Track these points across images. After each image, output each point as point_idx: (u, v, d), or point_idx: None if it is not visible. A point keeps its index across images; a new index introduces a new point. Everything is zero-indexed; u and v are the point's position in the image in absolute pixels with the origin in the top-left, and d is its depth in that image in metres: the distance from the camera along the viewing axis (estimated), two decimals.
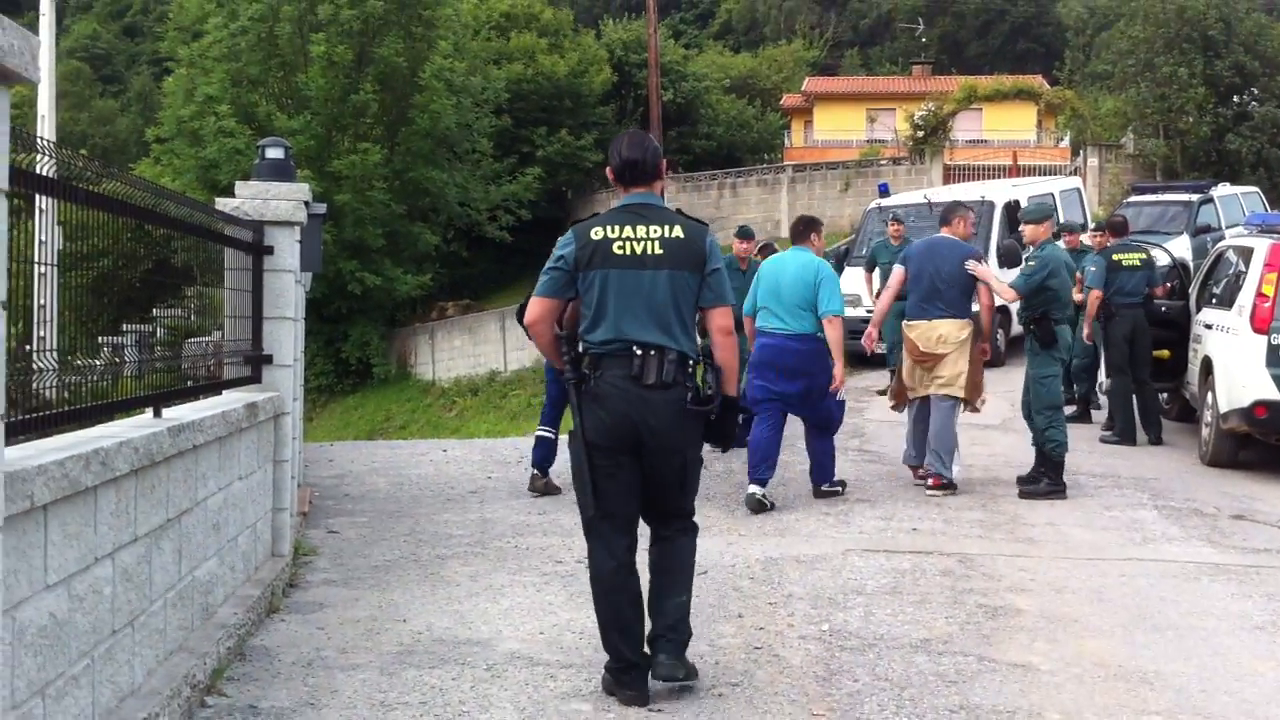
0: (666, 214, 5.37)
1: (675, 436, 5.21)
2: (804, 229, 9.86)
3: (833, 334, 9.30)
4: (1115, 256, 12.40)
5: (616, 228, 5.26)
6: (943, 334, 9.67)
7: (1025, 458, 11.10)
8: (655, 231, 5.24)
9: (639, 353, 5.14)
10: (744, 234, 12.61)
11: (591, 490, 5.25)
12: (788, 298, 9.38)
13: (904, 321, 10.02)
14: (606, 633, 5.33)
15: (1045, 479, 9.71)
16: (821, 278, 9.33)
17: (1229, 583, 7.33)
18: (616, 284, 5.19)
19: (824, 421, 9.67)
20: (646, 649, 5.30)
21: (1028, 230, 10.00)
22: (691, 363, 5.26)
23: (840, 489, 9.76)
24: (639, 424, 5.14)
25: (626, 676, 5.26)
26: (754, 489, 9.32)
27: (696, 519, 5.60)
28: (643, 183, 5.40)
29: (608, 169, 5.53)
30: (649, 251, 5.20)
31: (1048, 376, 9.72)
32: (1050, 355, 9.68)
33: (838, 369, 9.32)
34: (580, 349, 5.31)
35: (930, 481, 9.74)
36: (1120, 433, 12.16)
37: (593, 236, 5.27)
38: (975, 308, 9.91)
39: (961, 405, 9.82)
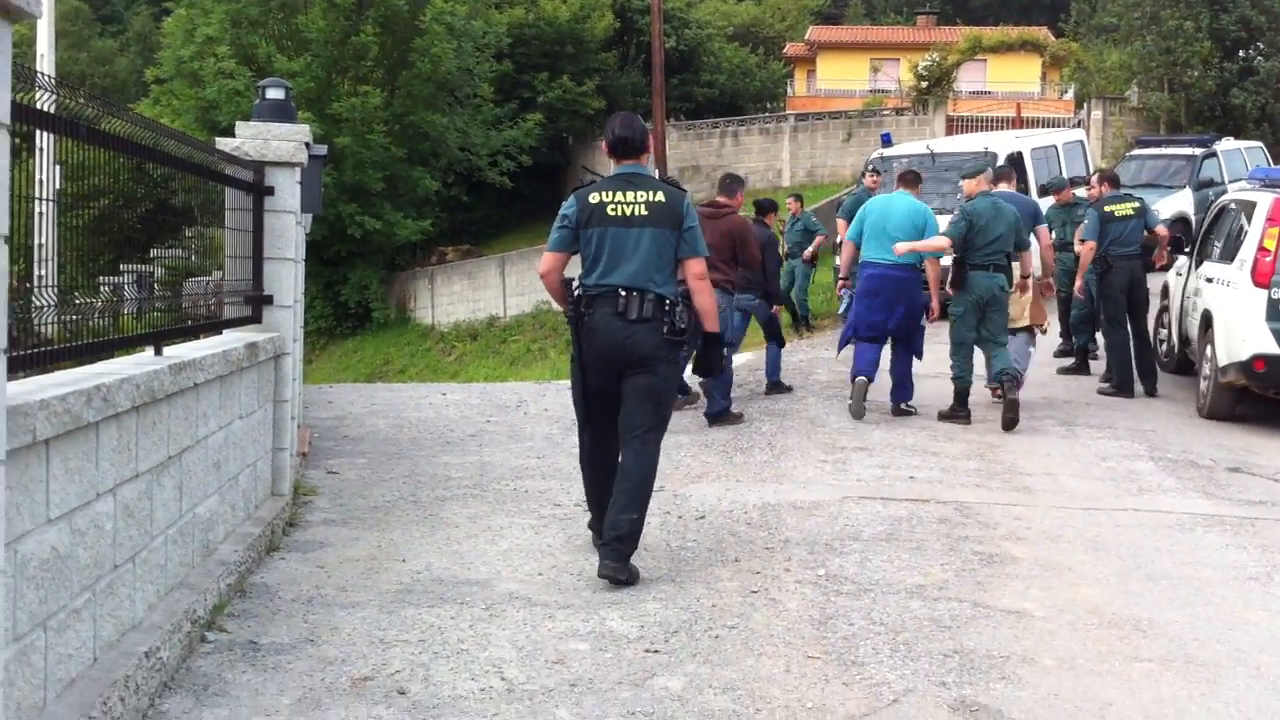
0: (652, 181, 6.45)
1: (650, 360, 6.23)
2: (914, 179, 11.44)
3: (932, 272, 10.90)
4: (1108, 208, 12.26)
5: (610, 193, 6.32)
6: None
7: (1023, 410, 11.12)
8: (642, 196, 6.29)
9: (623, 294, 6.21)
10: (797, 198, 14.86)
11: (582, 399, 6.48)
12: (894, 234, 10.67)
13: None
14: (588, 496, 6.69)
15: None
16: (927, 221, 10.82)
17: (1224, 534, 7.37)
18: (610, 239, 6.26)
19: (912, 345, 11.09)
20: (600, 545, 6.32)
21: (964, 184, 11.02)
22: (668, 302, 6.25)
23: (914, 410, 10.99)
24: (623, 348, 6.21)
25: (599, 527, 6.42)
26: (862, 378, 10.82)
27: (698, 462, 5.78)
28: (632, 155, 6.47)
29: (603, 143, 6.58)
30: (636, 213, 6.26)
31: (955, 312, 10.73)
32: (961, 296, 10.63)
33: (934, 302, 10.95)
34: (577, 292, 6.34)
35: (994, 392, 11.21)
36: (1118, 385, 12.16)
37: (591, 201, 6.34)
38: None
39: (1032, 332, 11.69)
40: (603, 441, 6.48)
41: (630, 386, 6.25)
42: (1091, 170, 19.93)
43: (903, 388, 11.03)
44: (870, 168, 16.28)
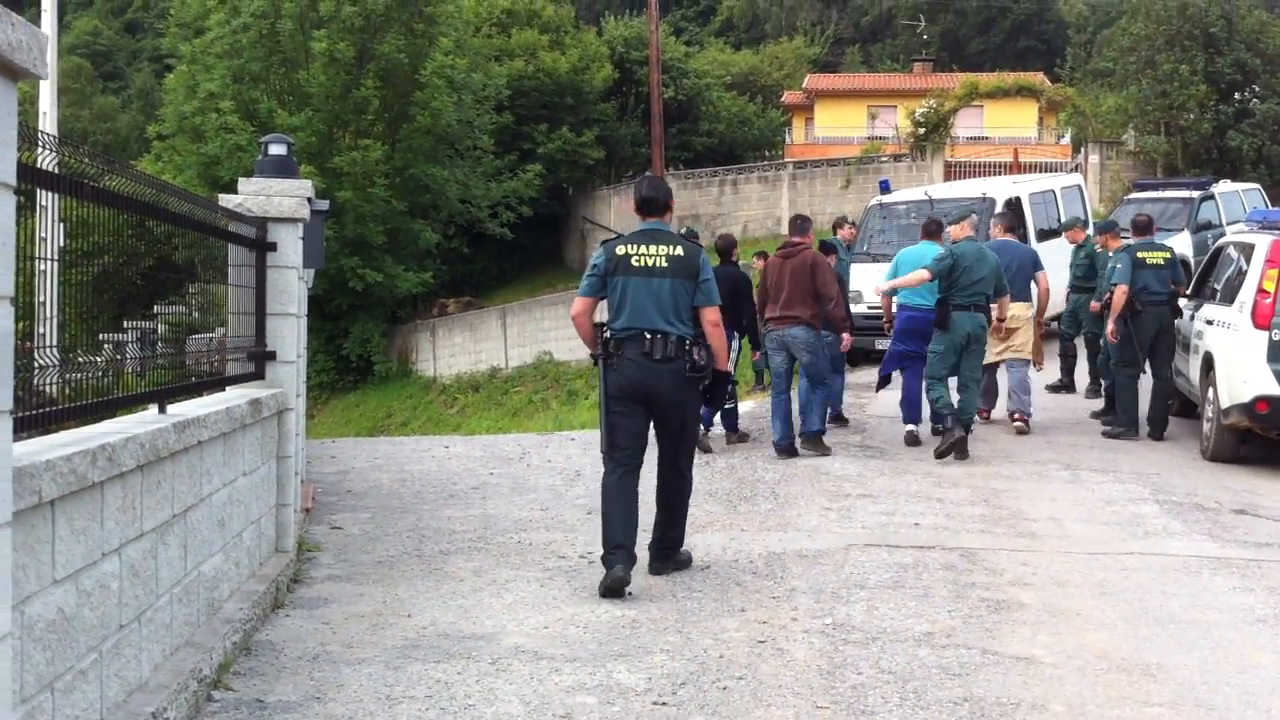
0: (672, 237, 7.27)
1: (676, 395, 7.08)
2: (936, 229, 12.32)
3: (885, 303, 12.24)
4: (1140, 254, 12.31)
5: (635, 245, 7.13)
6: (1014, 313, 12.20)
7: (1026, 453, 11.15)
8: (663, 250, 7.09)
9: (649, 336, 6.99)
10: (842, 222, 15.35)
11: (608, 431, 7.18)
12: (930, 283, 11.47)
13: None
14: (603, 525, 7.09)
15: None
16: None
17: (1230, 576, 7.35)
18: (634, 288, 7.05)
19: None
20: (639, 550, 7.13)
21: (951, 230, 11.72)
22: (688, 343, 7.04)
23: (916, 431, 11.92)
24: (650, 387, 7.01)
25: (611, 557, 6.93)
26: (911, 428, 11.87)
27: (702, 512, 5.83)
28: (656, 214, 7.33)
29: (632, 203, 7.51)
30: (657, 264, 7.06)
31: (935, 350, 11.28)
32: (943, 335, 11.17)
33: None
34: (606, 334, 7.17)
35: (1016, 418, 12.41)
36: (1124, 424, 12.22)
37: (618, 252, 7.15)
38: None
39: (1030, 364, 12.76)
40: (626, 470, 7.16)
41: (661, 426, 7.22)
42: (1089, 214, 20.02)
43: (914, 407, 11.99)
44: (849, 221, 16.47)
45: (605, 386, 7.16)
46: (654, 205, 7.32)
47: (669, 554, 7.35)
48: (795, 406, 11.47)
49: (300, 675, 5.54)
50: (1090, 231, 15.38)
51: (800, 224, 11.77)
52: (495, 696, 5.30)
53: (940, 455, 10.80)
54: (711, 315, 7.16)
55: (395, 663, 5.73)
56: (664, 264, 7.06)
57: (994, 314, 11.49)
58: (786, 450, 11.14)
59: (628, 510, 7.05)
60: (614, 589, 6.81)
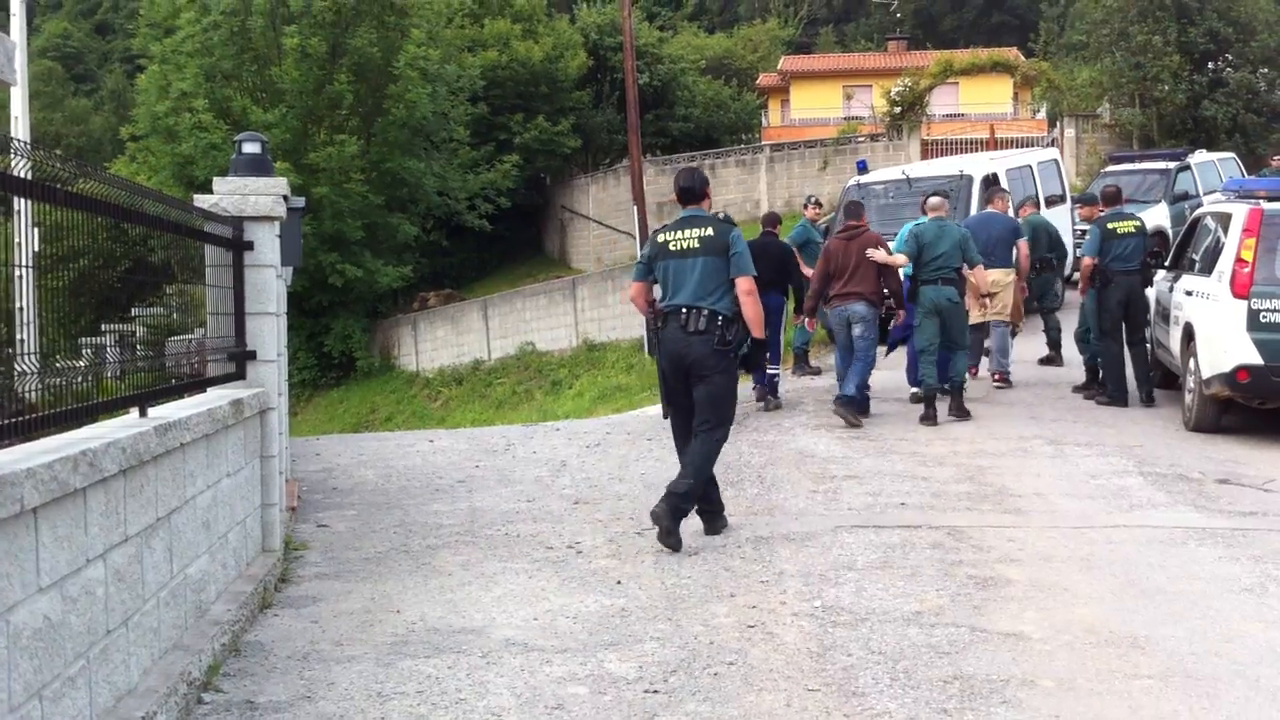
0: (706, 220, 8.04)
1: (707, 364, 7.76)
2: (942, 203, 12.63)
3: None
4: (1110, 225, 12.55)
5: (673, 232, 8.00)
6: (995, 279, 13.26)
7: (1010, 429, 11.18)
8: (695, 233, 7.90)
9: (684, 312, 7.79)
10: (808, 202, 15.67)
11: (666, 396, 8.68)
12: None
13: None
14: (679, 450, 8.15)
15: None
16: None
17: (1216, 546, 7.38)
18: (673, 269, 7.90)
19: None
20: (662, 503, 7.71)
21: (933, 203, 12.44)
22: (721, 318, 7.74)
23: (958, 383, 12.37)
24: (684, 356, 7.81)
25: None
26: (915, 390, 12.63)
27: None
28: (693, 201, 8.10)
29: (674, 193, 8.39)
30: (690, 247, 7.87)
31: (916, 325, 12.08)
32: (916, 308, 12.00)
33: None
34: (657, 313, 8.00)
35: (996, 377, 13.61)
36: (1112, 395, 12.44)
37: (659, 240, 8.06)
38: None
39: (1010, 325, 13.71)
40: (682, 423, 8.12)
41: (696, 394, 7.86)
42: (1067, 188, 20.07)
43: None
44: (812, 200, 16.58)
45: (660, 360, 8.26)
46: (691, 194, 8.11)
47: (676, 507, 7.67)
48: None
49: (290, 675, 5.53)
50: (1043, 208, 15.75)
51: (855, 208, 12.72)
52: (486, 690, 5.30)
53: (928, 421, 11.56)
54: (744, 285, 7.82)
55: (385, 659, 5.73)
56: (696, 245, 7.85)
57: (970, 281, 12.31)
58: (853, 405, 11.92)
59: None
60: (670, 539, 7.66)
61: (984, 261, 12.57)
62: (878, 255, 11.86)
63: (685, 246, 7.87)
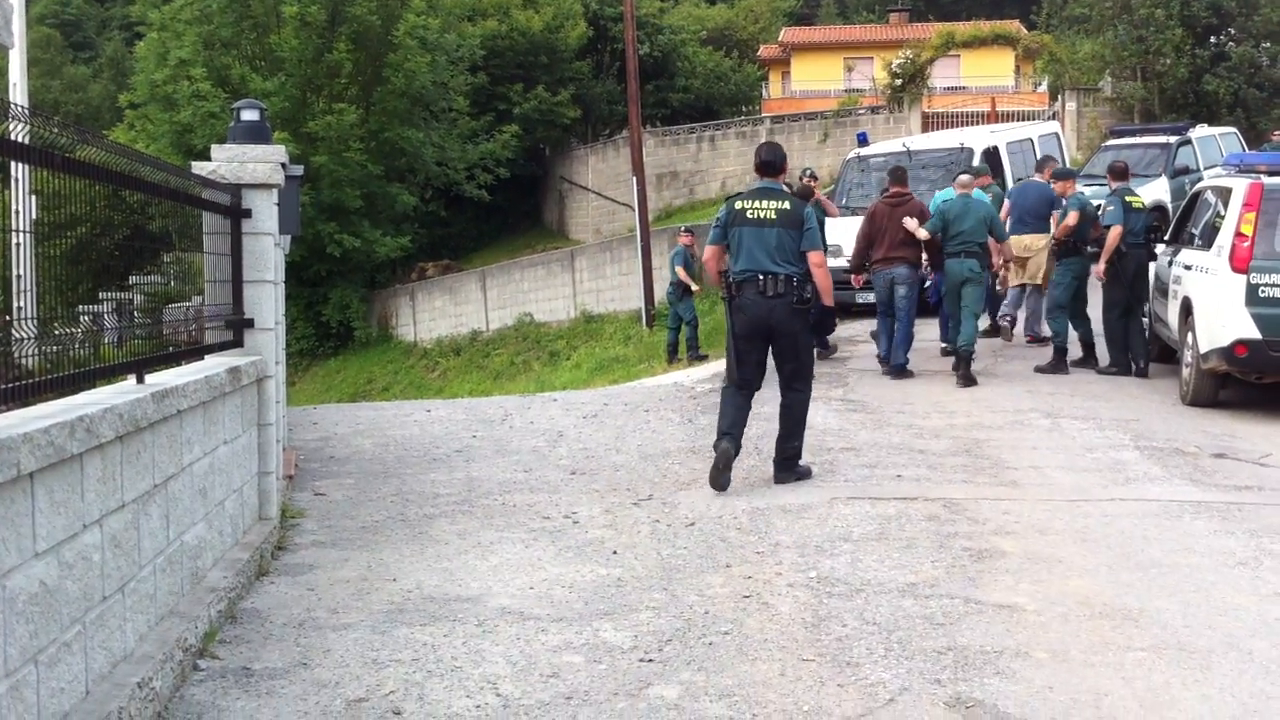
0: (783, 193, 8.62)
1: (788, 324, 8.36)
2: (971, 180, 13.59)
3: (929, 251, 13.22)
4: (1127, 198, 12.78)
5: (751, 201, 8.48)
6: (1028, 244, 14.16)
7: (1007, 402, 11.19)
8: (773, 205, 8.41)
9: (762, 277, 8.30)
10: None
11: (736, 365, 8.54)
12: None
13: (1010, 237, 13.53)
14: (719, 420, 8.55)
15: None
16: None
17: (1211, 520, 7.40)
18: (749, 236, 8.38)
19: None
20: (774, 468, 8.63)
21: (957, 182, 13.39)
22: (795, 281, 8.30)
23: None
24: (766, 319, 8.34)
25: (719, 440, 8.42)
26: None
27: (685, 469, 5.69)
28: (771, 174, 8.65)
29: (754, 164, 8.88)
30: (767, 217, 8.37)
31: (944, 293, 13.05)
32: (943, 277, 12.90)
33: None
34: (728, 278, 8.45)
35: (1029, 339, 14.47)
36: (1117, 362, 12.75)
37: (736, 207, 8.51)
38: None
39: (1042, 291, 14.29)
40: (745, 389, 8.53)
41: (777, 349, 8.46)
42: (1068, 161, 20.02)
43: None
44: (808, 173, 16.59)
45: (731, 324, 8.57)
46: (771, 168, 8.66)
47: (790, 464, 8.52)
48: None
49: (286, 642, 5.55)
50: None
51: (900, 174, 13.55)
52: (482, 658, 5.32)
53: (966, 384, 12.14)
54: (816, 258, 8.43)
55: (381, 627, 5.75)
56: (773, 216, 8.36)
57: (994, 257, 13.01)
58: (888, 366, 12.94)
59: (738, 411, 8.49)
60: (719, 473, 8.29)
61: (1021, 227, 14.04)
62: (910, 224, 12.84)
63: (763, 216, 8.39)
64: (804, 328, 8.63)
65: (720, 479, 8.29)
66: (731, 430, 8.42)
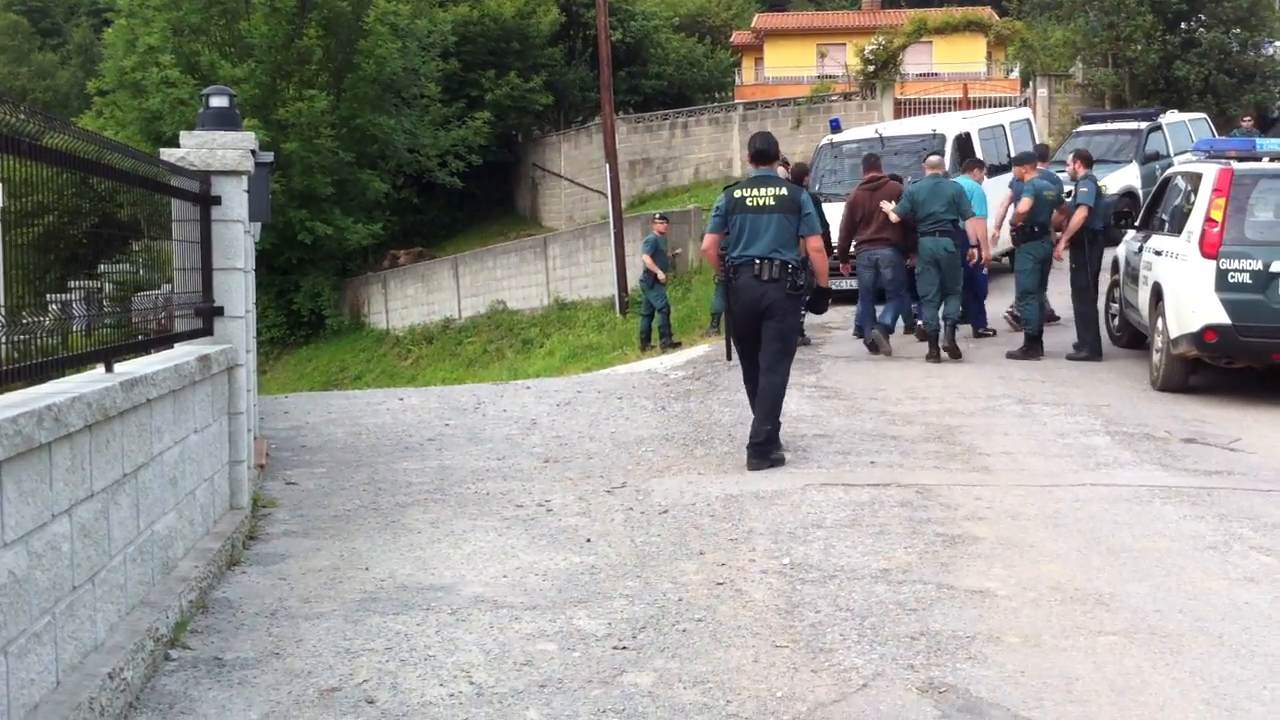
0: (779, 181, 9.03)
1: (779, 308, 8.66)
2: (972, 165, 14.64)
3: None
4: (1099, 184, 13.24)
5: (749, 189, 8.81)
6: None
7: (979, 389, 11.23)
8: (770, 192, 8.75)
9: (758, 262, 8.60)
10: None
11: (735, 342, 9.10)
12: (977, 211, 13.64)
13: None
14: (750, 397, 9.05)
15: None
16: (963, 195, 13.24)
17: (1181, 505, 7.44)
18: (748, 223, 8.70)
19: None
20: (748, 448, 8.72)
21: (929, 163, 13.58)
22: (791, 267, 8.62)
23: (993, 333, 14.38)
24: (760, 301, 8.63)
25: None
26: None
27: (659, 456, 5.68)
28: (766, 162, 9.03)
29: (747, 153, 9.23)
30: (765, 204, 8.69)
31: (917, 272, 13.09)
32: (918, 257, 13.01)
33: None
34: (727, 262, 8.77)
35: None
36: (1091, 350, 12.87)
37: (735, 195, 8.84)
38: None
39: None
40: (753, 368, 8.94)
41: (765, 332, 8.71)
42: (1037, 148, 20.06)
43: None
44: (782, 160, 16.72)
45: (728, 306, 9.05)
46: (765, 155, 9.01)
47: (764, 450, 8.63)
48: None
49: (258, 631, 5.53)
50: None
51: (875, 161, 14.19)
52: (455, 646, 5.31)
53: (933, 358, 12.75)
54: (814, 242, 8.84)
55: (354, 616, 5.72)
56: (771, 202, 8.68)
57: (970, 234, 13.43)
58: (869, 342, 13.38)
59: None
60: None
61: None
62: (886, 207, 13.28)
63: (761, 203, 8.70)
64: (794, 313, 8.99)
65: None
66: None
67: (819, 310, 9.97)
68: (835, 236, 13.75)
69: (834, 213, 14.12)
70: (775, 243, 8.64)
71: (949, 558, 6.45)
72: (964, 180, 13.92)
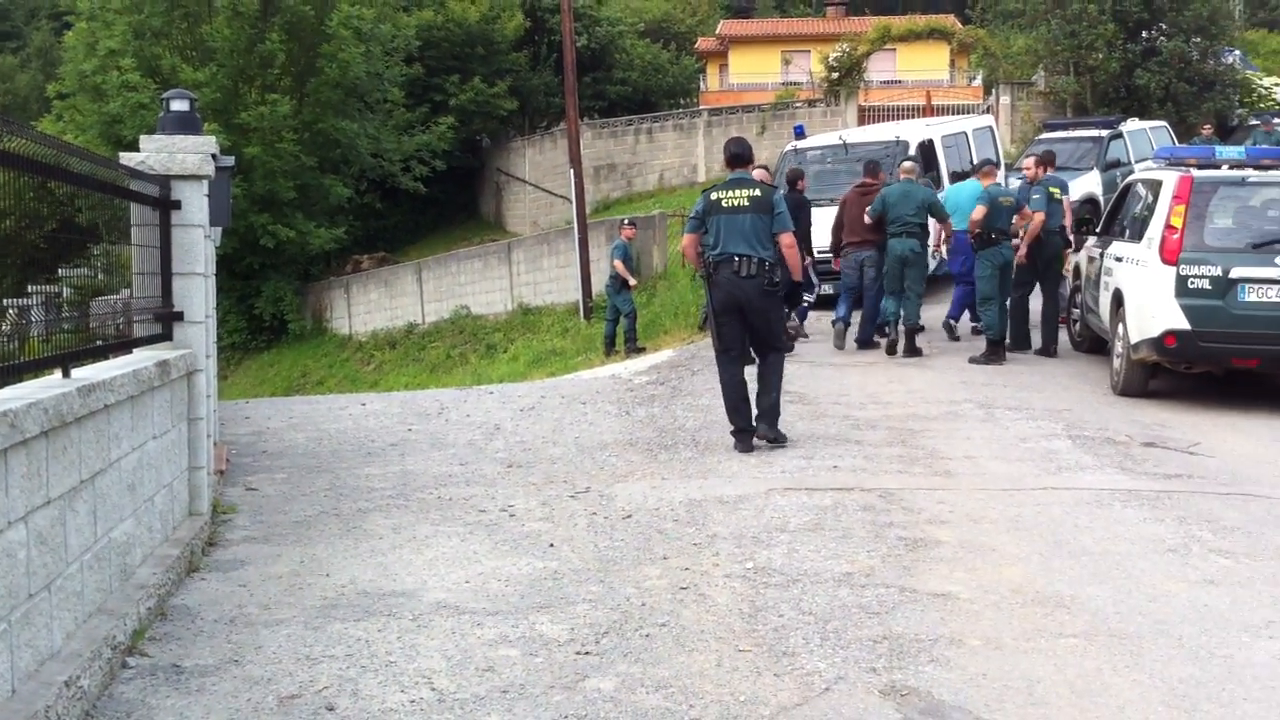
0: (753, 183, 9.46)
1: (760, 302, 9.21)
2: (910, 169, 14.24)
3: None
4: (1050, 189, 13.71)
5: (724, 191, 9.32)
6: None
7: (942, 393, 11.27)
8: (745, 193, 9.25)
9: (737, 259, 9.13)
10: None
11: (716, 336, 9.51)
12: (965, 208, 13.94)
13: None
14: (728, 412, 9.42)
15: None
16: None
17: (1141, 508, 7.49)
18: (725, 223, 9.23)
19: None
20: (754, 422, 9.36)
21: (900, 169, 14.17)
22: (767, 264, 9.13)
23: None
24: (740, 297, 9.18)
25: (740, 435, 9.32)
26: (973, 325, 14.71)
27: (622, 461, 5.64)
28: (741, 165, 9.50)
29: (723, 158, 9.76)
30: (740, 205, 9.21)
31: (885, 270, 13.62)
32: (886, 257, 13.61)
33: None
34: (706, 260, 9.31)
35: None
36: (1015, 337, 13.60)
37: (712, 198, 9.35)
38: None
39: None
40: (733, 361, 9.40)
41: (750, 324, 9.31)
42: (1001, 155, 20.21)
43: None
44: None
45: (710, 301, 9.49)
46: (740, 159, 9.50)
47: (773, 417, 9.38)
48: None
49: (217, 638, 5.48)
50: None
51: (873, 167, 14.82)
52: (417, 652, 5.28)
53: (890, 352, 13.41)
54: (786, 239, 9.36)
55: (314, 623, 5.68)
56: (746, 203, 9.19)
57: (939, 235, 14.34)
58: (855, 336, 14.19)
59: (740, 396, 9.34)
60: (744, 442, 9.27)
61: None
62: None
63: (736, 204, 9.20)
64: (774, 304, 9.48)
65: (746, 446, 9.29)
66: (745, 426, 9.33)
67: (793, 304, 10.36)
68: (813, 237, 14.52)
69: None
70: (751, 241, 9.15)
71: (911, 561, 6.46)
72: (975, 184, 14.29)
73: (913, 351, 13.36)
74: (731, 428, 9.39)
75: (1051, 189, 13.74)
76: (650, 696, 4.79)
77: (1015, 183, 15.26)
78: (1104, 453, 9.05)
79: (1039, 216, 13.35)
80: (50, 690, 4.25)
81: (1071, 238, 14.10)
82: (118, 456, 5.51)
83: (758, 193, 9.30)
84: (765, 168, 17.29)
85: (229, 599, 6.06)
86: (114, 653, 4.98)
